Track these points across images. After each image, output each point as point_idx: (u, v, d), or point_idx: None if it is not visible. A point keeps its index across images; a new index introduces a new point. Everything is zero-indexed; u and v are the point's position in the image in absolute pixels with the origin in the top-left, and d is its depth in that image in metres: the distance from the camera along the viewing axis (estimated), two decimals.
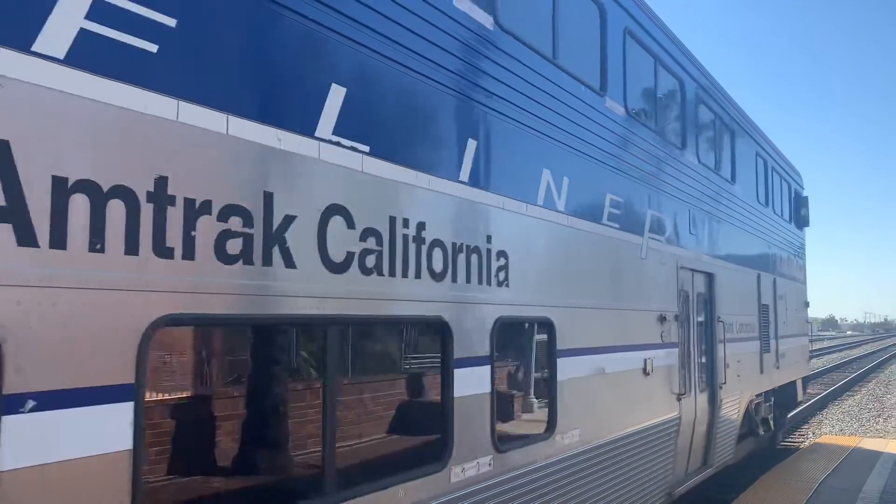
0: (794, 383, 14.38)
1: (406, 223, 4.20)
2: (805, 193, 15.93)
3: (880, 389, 27.29)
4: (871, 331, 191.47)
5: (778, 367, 12.69)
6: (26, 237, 2.49)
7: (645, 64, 7.91)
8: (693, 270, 8.92)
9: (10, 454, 2.43)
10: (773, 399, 12.95)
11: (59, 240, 2.57)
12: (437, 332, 4.51)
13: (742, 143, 11.42)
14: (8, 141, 2.46)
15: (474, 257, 4.77)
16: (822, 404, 22.43)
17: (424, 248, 4.32)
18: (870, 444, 13.11)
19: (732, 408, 10.10)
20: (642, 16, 7.73)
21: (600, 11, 6.80)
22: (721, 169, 10.29)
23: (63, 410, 2.57)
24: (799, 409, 18.06)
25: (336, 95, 3.79)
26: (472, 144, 4.83)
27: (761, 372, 11.62)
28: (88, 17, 2.71)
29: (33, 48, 2.55)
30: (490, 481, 4.77)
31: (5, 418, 2.41)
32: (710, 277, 9.47)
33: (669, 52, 8.50)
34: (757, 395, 11.57)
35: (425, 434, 4.78)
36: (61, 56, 2.62)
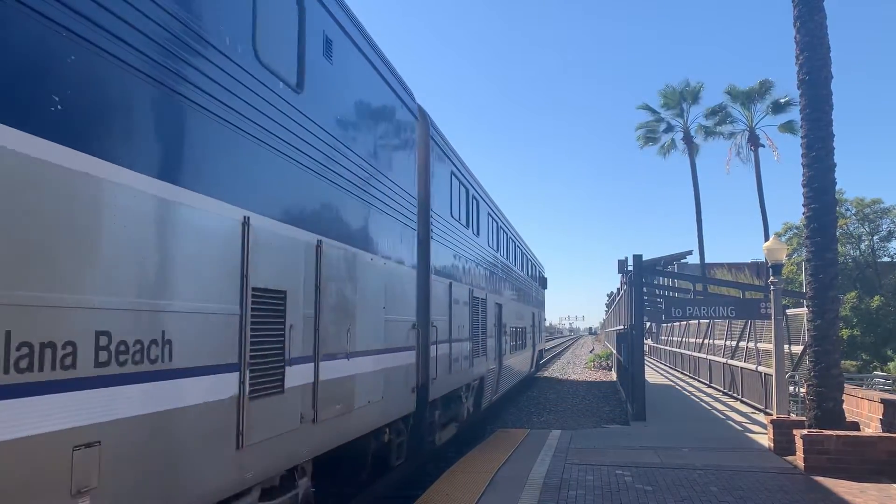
0: (543, 350, 37.09)
1: None
2: (546, 275, 38.14)
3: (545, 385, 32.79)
4: None
5: (542, 340, 34.79)
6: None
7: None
8: (533, 312, 29.80)
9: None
10: (538, 353, 34.78)
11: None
12: None
13: (526, 256, 32.28)
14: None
15: None
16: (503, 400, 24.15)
17: None
18: (536, 434, 14.69)
19: (537, 351, 31.44)
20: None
21: None
22: (522, 268, 31.06)
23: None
24: (543, 361, 40.52)
25: None
26: None
27: (540, 341, 33.38)
28: None
29: None
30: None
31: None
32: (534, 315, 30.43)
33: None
34: (539, 351, 33.32)
35: None
36: None
